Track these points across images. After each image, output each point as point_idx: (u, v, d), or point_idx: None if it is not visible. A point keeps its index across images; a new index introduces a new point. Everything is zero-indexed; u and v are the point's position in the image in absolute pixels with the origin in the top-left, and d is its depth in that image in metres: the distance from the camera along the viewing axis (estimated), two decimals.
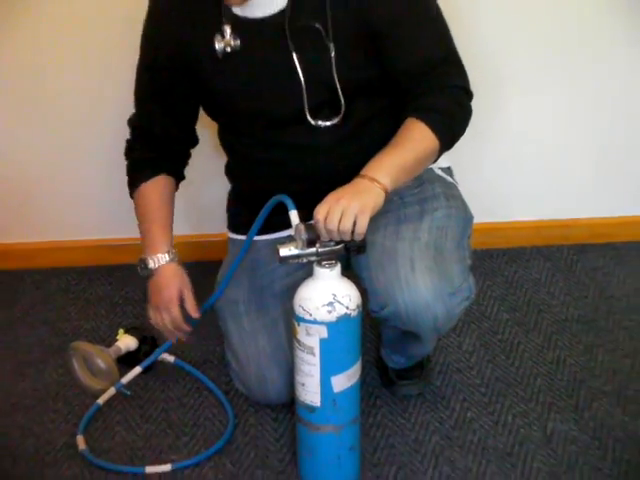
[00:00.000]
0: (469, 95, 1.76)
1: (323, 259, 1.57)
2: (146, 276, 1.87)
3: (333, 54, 1.66)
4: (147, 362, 1.96)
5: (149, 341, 2.07)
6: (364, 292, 1.69)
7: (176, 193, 1.96)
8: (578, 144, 2.56)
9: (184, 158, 1.98)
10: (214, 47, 1.68)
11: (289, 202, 1.57)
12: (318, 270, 1.57)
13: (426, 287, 1.64)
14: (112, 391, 1.95)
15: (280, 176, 1.77)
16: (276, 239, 1.85)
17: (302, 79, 1.68)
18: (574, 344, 2.19)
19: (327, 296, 1.57)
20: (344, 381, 1.64)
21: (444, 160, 1.84)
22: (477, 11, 2.33)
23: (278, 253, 1.57)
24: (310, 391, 1.65)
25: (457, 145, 1.77)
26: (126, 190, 1.93)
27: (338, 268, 1.58)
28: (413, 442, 1.88)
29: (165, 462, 1.81)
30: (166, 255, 1.85)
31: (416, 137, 1.66)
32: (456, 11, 1.79)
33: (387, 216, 1.62)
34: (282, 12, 1.66)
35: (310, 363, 1.61)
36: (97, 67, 2.35)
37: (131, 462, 1.83)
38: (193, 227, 2.56)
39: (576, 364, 2.11)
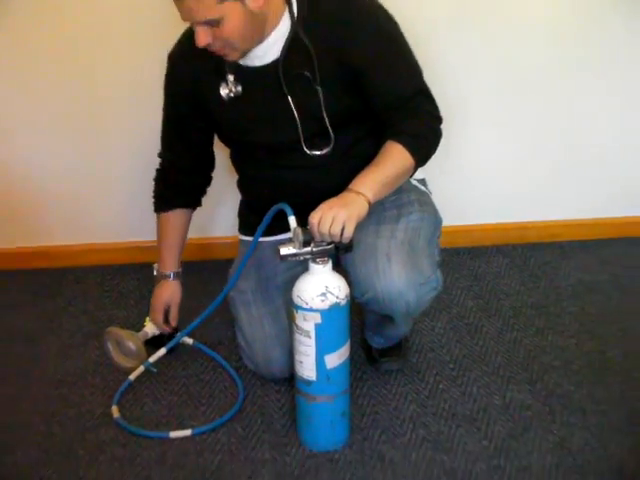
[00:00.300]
0: (439, 120, 1.76)
1: (317, 257, 1.58)
2: (155, 279, 2.04)
3: (321, 96, 1.68)
4: (170, 344, 1.96)
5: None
6: (351, 283, 1.70)
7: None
8: (531, 159, 2.56)
9: (203, 186, 2.02)
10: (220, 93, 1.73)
11: (288, 209, 1.60)
12: (313, 266, 1.59)
13: (400, 277, 1.66)
14: (141, 369, 1.96)
15: (281, 191, 1.77)
16: (278, 240, 1.85)
17: (297, 117, 1.70)
18: (528, 326, 2.19)
19: (320, 288, 1.58)
20: (336, 359, 1.65)
21: (420, 173, 1.85)
22: (440, 45, 2.34)
23: (279, 252, 1.59)
24: (307, 367, 1.65)
25: (430, 161, 1.78)
26: (152, 200, 1.98)
27: (329, 264, 1.60)
28: (394, 410, 1.88)
29: (186, 428, 1.81)
30: (168, 272, 2.00)
31: (394, 157, 1.68)
32: (422, 46, 1.79)
33: (369, 218, 1.63)
34: (276, 62, 1.68)
35: (307, 344, 1.62)
36: (127, 78, 2.34)
37: (157, 428, 1.83)
38: (202, 230, 2.56)
39: (530, 343, 2.11)
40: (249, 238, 1.97)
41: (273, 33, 1.65)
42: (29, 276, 2.53)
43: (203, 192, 2.02)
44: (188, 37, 1.74)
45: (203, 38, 1.56)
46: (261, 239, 1.80)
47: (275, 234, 1.88)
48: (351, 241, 1.58)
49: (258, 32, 1.62)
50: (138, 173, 1.97)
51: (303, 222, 1.58)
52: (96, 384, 2.00)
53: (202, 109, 1.81)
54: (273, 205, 1.66)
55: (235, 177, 2.02)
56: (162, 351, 1.95)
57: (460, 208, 2.52)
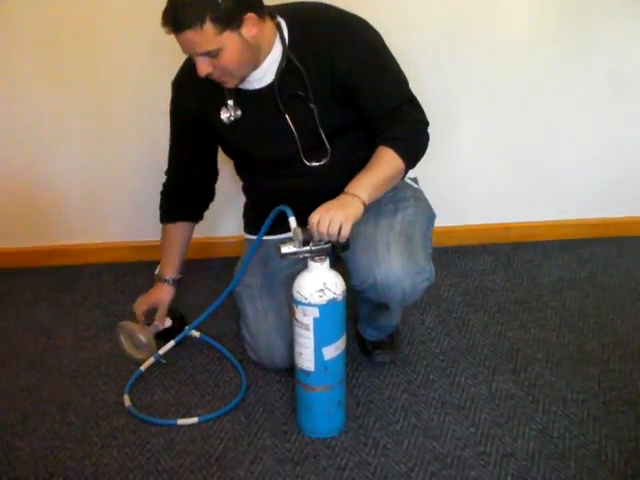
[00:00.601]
0: (426, 124, 1.76)
1: (315, 255, 1.58)
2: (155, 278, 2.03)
3: (316, 112, 1.69)
4: (179, 337, 1.94)
5: (180, 320, 2.05)
6: (347, 277, 1.70)
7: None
8: (514, 164, 2.54)
9: (207, 200, 2.01)
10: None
11: (288, 210, 1.60)
12: (311, 264, 1.58)
13: (398, 266, 1.65)
14: (151, 360, 1.93)
15: (283, 198, 1.75)
16: (282, 239, 1.83)
17: (295, 132, 1.71)
18: (512, 321, 2.17)
19: (319, 284, 1.57)
20: (333, 351, 1.63)
21: (411, 172, 1.84)
22: (428, 52, 2.33)
23: (280, 250, 1.58)
24: (306, 359, 1.64)
25: (419, 165, 1.77)
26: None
27: (327, 262, 1.59)
28: (387, 399, 1.86)
29: (192, 415, 1.79)
30: (167, 277, 1.98)
31: (386, 160, 1.68)
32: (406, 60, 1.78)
33: (368, 212, 1.63)
34: (272, 84, 1.68)
35: (306, 337, 1.61)
36: (138, 80, 2.33)
37: (165, 416, 1.81)
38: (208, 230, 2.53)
39: (514, 336, 2.10)
40: (253, 237, 1.96)
41: (267, 58, 1.65)
42: (47, 273, 2.51)
43: (206, 207, 2.01)
44: (189, 65, 1.74)
45: (204, 68, 1.57)
46: (266, 237, 1.80)
47: (279, 233, 1.86)
48: (347, 240, 1.57)
49: (254, 59, 1.63)
50: (150, 177, 1.95)
51: (304, 224, 1.58)
52: (109, 374, 1.98)
53: (206, 130, 1.81)
54: (274, 208, 1.66)
55: (240, 181, 2.00)
56: (171, 343, 1.93)
57: (448, 210, 2.49)
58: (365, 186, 1.62)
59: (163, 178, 1.95)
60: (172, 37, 1.59)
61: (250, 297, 1.91)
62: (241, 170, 1.96)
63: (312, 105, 1.68)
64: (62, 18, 2.23)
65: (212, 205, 2.02)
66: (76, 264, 2.55)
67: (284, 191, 1.80)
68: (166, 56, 1.83)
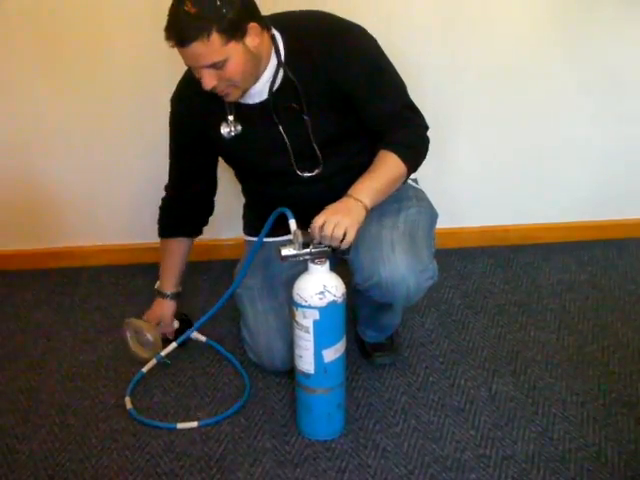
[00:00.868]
0: (426, 128, 1.76)
1: (315, 258, 1.57)
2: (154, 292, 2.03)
3: (309, 123, 1.69)
4: (181, 339, 1.94)
5: (187, 322, 2.05)
6: (347, 279, 1.70)
7: None
8: (514, 167, 2.54)
9: (206, 214, 2.01)
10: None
11: (289, 213, 1.60)
12: (311, 266, 1.58)
13: (402, 264, 1.66)
14: (153, 362, 1.93)
15: (281, 204, 1.76)
16: (282, 240, 1.84)
17: (288, 143, 1.72)
18: (512, 323, 2.17)
19: (319, 286, 1.57)
20: (332, 353, 1.63)
21: (412, 174, 1.84)
22: (430, 57, 2.33)
23: (280, 253, 1.58)
24: (306, 361, 1.64)
25: (420, 168, 1.77)
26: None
27: (327, 265, 1.59)
28: (387, 401, 1.86)
29: (192, 419, 1.79)
30: (166, 292, 1.99)
31: (388, 165, 1.68)
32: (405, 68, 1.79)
33: (372, 212, 1.64)
34: (269, 99, 1.69)
35: (306, 339, 1.61)
36: (138, 83, 2.32)
37: (165, 419, 1.81)
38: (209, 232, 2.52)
39: (513, 339, 2.10)
40: (253, 238, 1.97)
41: (267, 71, 1.66)
42: (47, 275, 2.51)
43: (205, 222, 2.01)
44: (188, 80, 1.75)
45: (210, 81, 1.56)
46: (267, 239, 1.81)
47: (280, 235, 1.86)
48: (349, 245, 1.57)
49: (256, 70, 1.63)
50: (149, 180, 1.96)
51: (305, 228, 1.58)
52: (109, 376, 1.98)
53: (206, 144, 1.82)
54: (272, 211, 1.67)
55: (238, 183, 2.01)
56: (173, 345, 1.93)
57: (448, 212, 2.49)
58: (368, 191, 1.63)
59: (162, 181, 1.94)
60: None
61: (250, 298, 1.92)
62: (241, 178, 1.97)
63: (305, 117, 1.69)
64: (64, 21, 2.22)
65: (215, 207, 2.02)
66: (76, 266, 2.55)
67: (283, 198, 1.79)
68: (167, 59, 1.82)
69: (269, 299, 1.90)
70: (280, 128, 1.71)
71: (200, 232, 2.02)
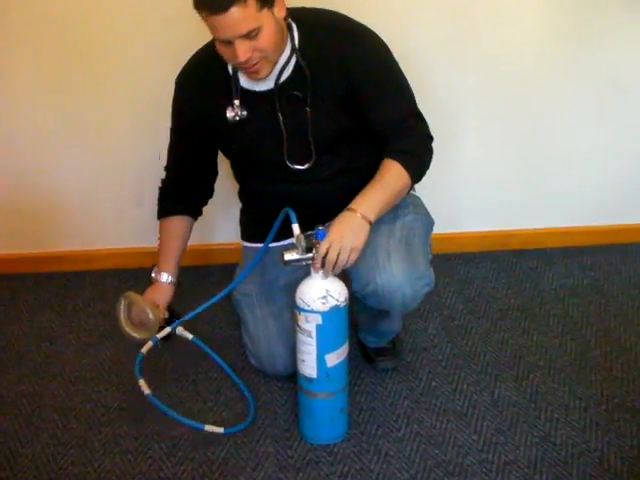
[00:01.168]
0: (431, 139, 1.76)
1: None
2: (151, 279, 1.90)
3: (309, 115, 1.69)
4: (177, 323, 1.81)
5: (175, 315, 1.92)
6: (350, 279, 1.71)
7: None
8: (515, 172, 2.55)
9: (205, 197, 1.97)
10: (226, 115, 1.72)
11: (293, 216, 1.60)
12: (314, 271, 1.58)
13: (398, 272, 1.66)
14: (150, 344, 1.78)
15: (277, 203, 1.76)
16: (282, 246, 1.84)
17: (284, 132, 1.71)
18: (514, 328, 2.17)
19: (321, 291, 1.57)
20: (335, 358, 1.63)
21: None
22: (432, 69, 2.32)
23: (283, 257, 1.58)
24: (309, 366, 1.64)
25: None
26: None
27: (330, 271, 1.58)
28: (390, 406, 1.86)
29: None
30: (164, 277, 1.87)
31: (395, 176, 1.68)
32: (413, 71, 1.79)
33: None
34: (276, 87, 1.68)
35: (308, 344, 1.61)
36: (137, 84, 2.33)
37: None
38: (206, 237, 2.54)
39: (516, 344, 2.10)
40: (251, 244, 1.98)
41: (281, 57, 1.65)
42: (50, 279, 2.51)
43: (204, 202, 1.98)
44: (195, 62, 1.75)
45: (244, 52, 1.53)
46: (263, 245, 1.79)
47: (279, 240, 1.84)
48: None
49: (283, 43, 1.62)
50: (152, 184, 1.95)
51: (303, 228, 1.58)
52: (111, 380, 1.98)
53: (208, 129, 1.80)
54: (272, 214, 1.67)
55: (237, 186, 2.00)
56: (167, 329, 1.80)
57: (451, 217, 2.52)
58: (375, 206, 1.62)
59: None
60: (175, 44, 1.60)
61: (249, 305, 1.92)
62: (238, 172, 1.95)
63: (307, 108, 1.68)
64: (64, 27, 2.23)
65: (212, 212, 2.02)
66: (78, 270, 2.55)
67: (278, 199, 1.79)
68: (168, 64, 1.84)
69: (268, 305, 1.90)
70: (279, 116, 1.70)
71: (200, 212, 1.97)
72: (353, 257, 1.57)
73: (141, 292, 2.31)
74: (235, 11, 1.46)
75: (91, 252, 2.58)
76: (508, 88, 2.42)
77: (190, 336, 1.91)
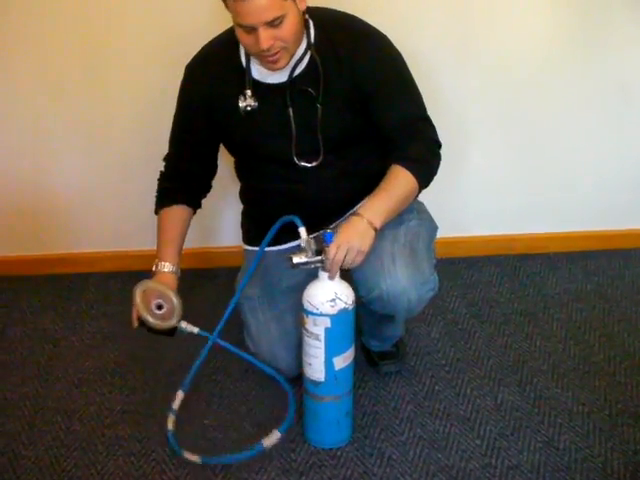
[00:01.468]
0: (439, 145, 1.77)
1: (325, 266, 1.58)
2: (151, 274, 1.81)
3: (319, 112, 1.69)
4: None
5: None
6: (356, 283, 1.72)
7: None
8: (520, 177, 2.55)
9: (204, 190, 1.93)
10: (236, 105, 1.70)
11: (298, 220, 1.60)
12: (322, 273, 1.58)
13: (403, 277, 1.66)
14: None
15: (278, 202, 1.77)
16: (282, 249, 1.87)
17: (293, 128, 1.71)
18: (518, 332, 2.18)
19: (330, 294, 1.57)
20: (343, 361, 1.64)
21: None
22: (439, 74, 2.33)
23: (291, 260, 1.57)
24: (316, 369, 1.64)
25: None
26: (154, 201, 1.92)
27: (337, 272, 1.59)
28: (393, 409, 1.86)
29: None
30: (167, 265, 1.78)
31: (401, 182, 1.68)
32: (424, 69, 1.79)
33: None
34: (288, 80, 1.68)
35: (316, 347, 1.61)
36: (143, 88, 2.33)
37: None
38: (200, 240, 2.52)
39: (519, 348, 2.10)
40: (252, 248, 1.97)
41: (298, 49, 1.65)
42: (54, 281, 2.52)
43: (203, 195, 1.94)
44: (206, 51, 1.75)
45: (267, 39, 1.53)
46: (266, 248, 1.79)
47: (280, 244, 1.87)
48: None
49: (302, 35, 1.63)
50: (155, 186, 1.95)
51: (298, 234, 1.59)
52: (114, 383, 1.99)
53: (213, 120, 1.79)
54: (273, 215, 1.67)
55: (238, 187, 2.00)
56: (191, 328, 1.76)
57: (454, 221, 2.52)
58: (382, 213, 1.62)
59: None
60: (178, 46, 1.60)
61: (251, 308, 1.92)
62: (241, 170, 1.94)
63: (318, 105, 1.68)
64: (66, 28, 2.24)
65: (213, 214, 2.01)
66: (82, 272, 2.56)
67: (282, 196, 1.80)
68: (171, 66, 1.84)
69: (270, 308, 1.90)
70: (290, 111, 1.69)
71: (199, 204, 1.92)
72: (358, 259, 1.58)
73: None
74: None
75: (94, 254, 2.58)
76: (511, 93, 2.42)
77: (196, 330, 1.79)
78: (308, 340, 1.62)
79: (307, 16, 1.65)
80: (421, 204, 1.91)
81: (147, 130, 2.37)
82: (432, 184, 1.91)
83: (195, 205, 1.92)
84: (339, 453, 1.72)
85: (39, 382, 1.99)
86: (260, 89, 1.70)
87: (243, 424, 1.82)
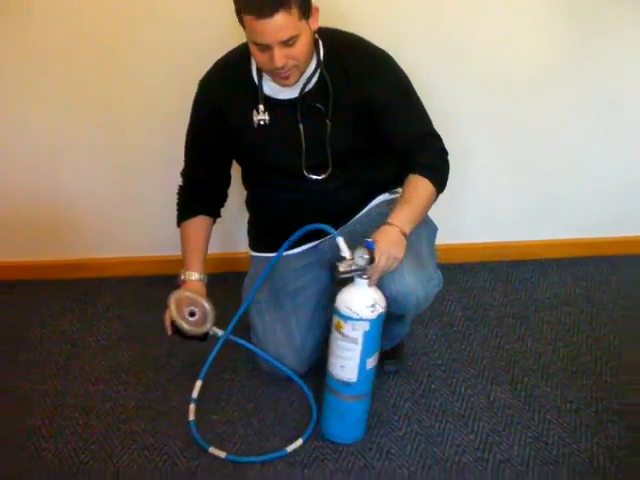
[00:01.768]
0: (447, 153, 1.79)
1: (364, 273, 1.58)
2: (179, 284, 1.87)
3: (329, 128, 1.71)
4: (225, 334, 1.86)
5: None
6: None
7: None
8: (514, 186, 2.56)
9: (221, 200, 1.97)
10: (249, 118, 1.73)
11: (332, 230, 1.63)
12: (360, 281, 1.59)
13: (410, 277, 1.68)
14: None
15: (285, 211, 1.79)
16: (289, 255, 1.89)
17: (303, 143, 1.73)
18: (510, 334, 2.20)
19: (369, 300, 1.59)
20: (373, 361, 1.67)
21: None
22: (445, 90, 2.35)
23: (338, 269, 1.57)
24: (349, 370, 1.65)
25: None
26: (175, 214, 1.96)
27: None
28: (392, 407, 1.89)
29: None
30: (194, 274, 1.85)
31: (421, 190, 1.71)
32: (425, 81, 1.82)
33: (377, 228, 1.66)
34: (299, 97, 1.70)
35: (351, 350, 1.62)
36: (158, 97, 2.31)
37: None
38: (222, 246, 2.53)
39: (511, 349, 2.12)
40: (260, 254, 1.99)
41: (307, 69, 1.68)
42: (72, 285, 2.54)
43: (221, 205, 1.97)
44: (219, 66, 1.77)
45: (282, 58, 1.56)
46: (270, 254, 1.83)
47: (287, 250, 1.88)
48: None
49: (312, 55, 1.66)
50: (168, 192, 1.96)
51: (305, 240, 1.64)
52: (129, 381, 2.01)
53: (225, 134, 1.80)
54: (278, 223, 1.71)
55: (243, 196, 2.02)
56: (220, 332, 1.85)
57: (450, 229, 2.49)
58: (410, 221, 1.65)
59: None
60: (192, 63, 1.61)
61: (259, 311, 1.94)
62: (248, 179, 1.96)
63: (328, 121, 1.71)
64: (85, 45, 2.23)
65: (232, 220, 2.01)
66: (99, 277, 2.57)
67: (288, 205, 1.82)
68: (184, 78, 1.85)
69: (276, 311, 1.92)
70: (300, 127, 1.72)
71: (218, 214, 1.95)
72: (394, 266, 1.61)
73: (156, 298, 2.31)
74: (280, 17, 1.49)
75: (109, 260, 2.60)
76: (506, 103, 2.41)
77: (220, 332, 1.86)
78: (342, 344, 1.62)
79: (317, 35, 1.67)
80: None
81: (160, 140, 2.36)
82: None
83: (215, 214, 1.95)
84: (340, 447, 1.74)
85: (58, 380, 2.02)
86: (272, 104, 1.72)
87: (250, 420, 1.85)
